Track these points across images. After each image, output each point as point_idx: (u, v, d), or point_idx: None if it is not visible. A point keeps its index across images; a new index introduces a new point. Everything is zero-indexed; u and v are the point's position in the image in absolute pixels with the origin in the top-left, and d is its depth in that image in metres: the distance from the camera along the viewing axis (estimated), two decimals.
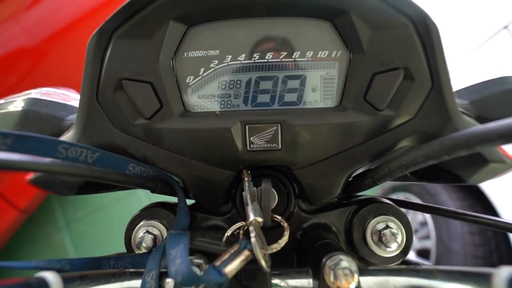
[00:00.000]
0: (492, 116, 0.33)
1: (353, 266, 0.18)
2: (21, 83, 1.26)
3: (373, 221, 0.26)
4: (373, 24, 0.21)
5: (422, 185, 1.22)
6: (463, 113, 0.24)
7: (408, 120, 0.23)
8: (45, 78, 1.32)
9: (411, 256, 1.21)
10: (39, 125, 0.33)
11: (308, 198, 0.26)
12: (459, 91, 0.35)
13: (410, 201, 0.29)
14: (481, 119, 0.33)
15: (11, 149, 0.16)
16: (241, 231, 0.21)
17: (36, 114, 0.33)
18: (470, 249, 0.93)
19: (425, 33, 0.21)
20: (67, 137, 0.24)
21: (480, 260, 0.91)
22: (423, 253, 1.15)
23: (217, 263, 0.18)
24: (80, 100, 0.23)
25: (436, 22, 0.21)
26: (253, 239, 0.18)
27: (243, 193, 0.22)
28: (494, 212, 0.94)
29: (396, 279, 0.19)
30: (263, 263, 0.18)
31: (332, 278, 0.18)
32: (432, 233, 1.10)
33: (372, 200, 0.28)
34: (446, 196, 1.09)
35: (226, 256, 0.19)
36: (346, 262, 0.19)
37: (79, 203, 1.53)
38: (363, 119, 0.23)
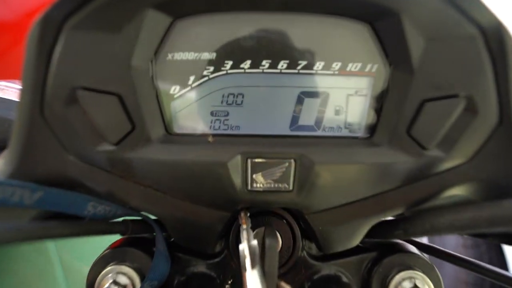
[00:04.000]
0: None
1: None
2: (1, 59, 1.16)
3: (397, 276, 0.21)
4: (429, 33, 0.15)
5: None
6: None
7: (462, 164, 0.17)
8: None
9: None
10: None
11: (320, 245, 0.21)
12: None
13: (439, 248, 0.24)
14: None
15: None
16: None
17: None
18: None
19: (499, 50, 0.16)
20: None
21: (471, 275, 0.89)
22: None
23: None
24: (18, 116, 0.16)
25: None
26: None
27: (240, 246, 0.17)
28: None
29: None
30: None
31: None
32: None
33: (396, 247, 0.23)
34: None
35: None
36: None
37: None
38: (403, 159, 0.17)
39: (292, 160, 0.17)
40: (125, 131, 0.16)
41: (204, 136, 0.18)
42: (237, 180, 0.17)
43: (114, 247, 0.22)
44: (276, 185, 0.18)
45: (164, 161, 0.17)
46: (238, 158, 0.17)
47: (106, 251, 0.21)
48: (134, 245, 0.21)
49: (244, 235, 0.17)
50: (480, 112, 0.16)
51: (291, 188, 0.18)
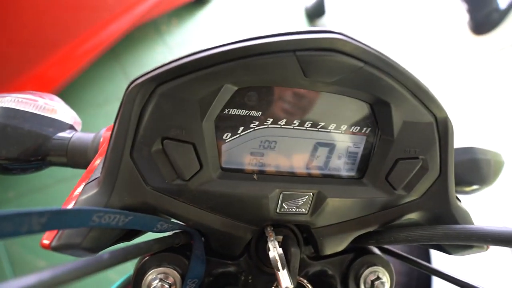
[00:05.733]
0: (458, 178, 0.40)
1: None
2: None
3: (366, 271, 0.30)
4: (406, 117, 0.24)
5: None
6: (457, 199, 0.28)
7: (416, 199, 0.26)
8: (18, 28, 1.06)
9: None
10: (20, 144, 0.28)
11: (317, 249, 0.29)
12: None
13: (396, 251, 0.34)
14: None
15: (44, 228, 0.15)
16: None
17: (15, 130, 0.28)
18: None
19: (444, 132, 0.25)
20: (91, 196, 0.21)
21: (405, 266, 1.08)
22: None
23: None
24: (109, 156, 0.21)
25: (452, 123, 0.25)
26: None
27: (270, 253, 0.24)
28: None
29: None
30: None
31: None
32: None
33: (366, 250, 0.31)
34: None
35: None
36: None
37: (9, 181, 1.32)
38: (381, 195, 0.25)
39: (311, 193, 0.24)
40: (195, 170, 0.22)
41: (249, 174, 0.24)
42: (272, 206, 0.24)
43: (153, 254, 0.26)
44: (297, 210, 0.25)
45: (222, 193, 0.23)
46: (277, 191, 0.24)
47: (147, 257, 0.26)
48: (172, 251, 0.26)
49: (271, 245, 0.24)
50: (429, 168, 0.25)
51: (306, 212, 0.25)
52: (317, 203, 0.25)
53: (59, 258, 0.21)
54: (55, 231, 0.20)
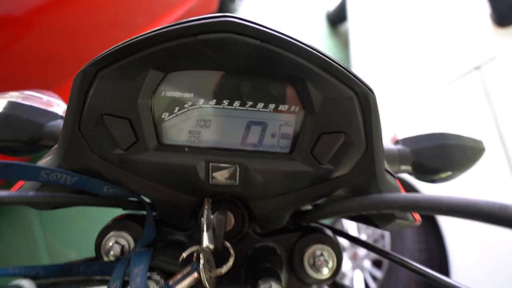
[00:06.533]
0: (425, 165, 0.39)
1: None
2: (3, 53, 1.21)
3: (310, 248, 0.31)
4: (324, 93, 0.25)
5: None
6: (389, 173, 0.29)
7: (345, 174, 0.27)
8: (29, 50, 1.28)
9: (367, 264, 1.30)
10: (19, 131, 0.35)
11: (259, 225, 0.31)
12: (404, 140, 0.41)
13: (349, 234, 0.34)
14: (418, 166, 0.39)
15: None
16: (195, 254, 0.25)
17: (16, 119, 0.35)
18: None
19: (366, 106, 0.26)
20: (48, 160, 0.27)
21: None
22: (378, 263, 1.25)
23: (170, 282, 0.22)
24: (63, 129, 0.26)
25: (374, 94, 0.26)
26: (201, 265, 0.22)
27: (202, 219, 0.26)
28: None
29: None
30: (207, 285, 0.22)
31: None
32: (388, 246, 1.19)
33: (314, 230, 0.32)
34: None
35: (179, 276, 0.23)
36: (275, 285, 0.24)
37: None
38: (308, 169, 0.27)
39: (237, 166, 0.27)
40: (131, 142, 0.26)
41: (183, 147, 0.27)
42: (202, 176, 0.27)
43: (116, 219, 0.31)
44: (228, 181, 0.27)
45: (156, 163, 0.26)
46: (203, 163, 0.26)
47: (110, 222, 0.30)
48: (131, 219, 0.31)
49: (204, 212, 0.27)
50: (354, 142, 0.26)
51: (237, 183, 0.27)
52: (245, 175, 0.27)
53: (90, 251, 0.27)
54: (19, 184, 0.25)
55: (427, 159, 0.37)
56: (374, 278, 1.23)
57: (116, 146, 0.26)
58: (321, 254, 0.30)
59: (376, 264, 1.25)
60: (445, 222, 1.05)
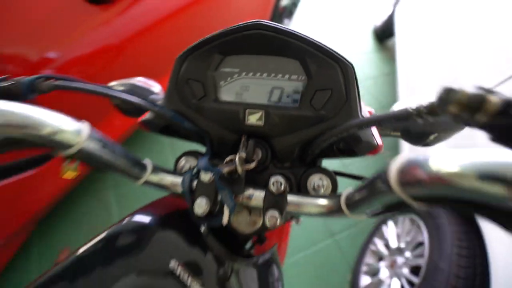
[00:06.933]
0: (411, 130, 0.49)
1: (283, 181, 0.38)
2: (98, 75, 1.49)
3: (312, 176, 0.44)
4: (318, 64, 0.40)
5: (426, 210, 1.31)
6: (362, 116, 0.41)
7: (332, 117, 0.41)
8: (119, 71, 1.57)
9: (405, 271, 1.28)
10: (138, 95, 0.57)
11: (278, 158, 0.46)
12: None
13: (342, 172, 0.47)
14: (405, 132, 0.50)
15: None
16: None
17: (136, 89, 0.58)
18: (455, 269, 1.01)
19: (345, 73, 0.40)
20: (160, 101, 0.47)
21: (462, 281, 0.98)
22: (416, 270, 1.23)
23: (220, 166, 0.39)
24: (168, 86, 0.45)
25: (352, 66, 0.40)
26: (237, 158, 0.38)
27: (240, 146, 0.43)
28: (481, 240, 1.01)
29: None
30: (239, 169, 0.38)
31: (271, 187, 0.38)
32: (426, 252, 1.17)
33: (317, 167, 0.46)
34: (445, 220, 1.16)
35: (225, 166, 0.39)
36: (280, 178, 0.38)
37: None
38: (308, 114, 0.41)
39: (263, 111, 0.43)
40: (201, 96, 0.44)
41: (231, 102, 0.44)
42: (241, 117, 0.43)
43: (186, 152, 0.49)
44: (257, 122, 0.43)
45: (215, 109, 0.44)
46: (243, 110, 0.43)
47: (183, 153, 0.49)
48: (195, 152, 0.49)
49: (242, 139, 0.43)
50: (338, 96, 0.40)
51: (263, 124, 0.43)
52: (268, 118, 0.43)
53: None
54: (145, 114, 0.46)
55: (412, 125, 0.48)
56: (411, 283, 1.20)
57: (193, 97, 0.44)
58: (320, 179, 0.44)
59: (414, 271, 1.23)
60: (488, 228, 1.01)
